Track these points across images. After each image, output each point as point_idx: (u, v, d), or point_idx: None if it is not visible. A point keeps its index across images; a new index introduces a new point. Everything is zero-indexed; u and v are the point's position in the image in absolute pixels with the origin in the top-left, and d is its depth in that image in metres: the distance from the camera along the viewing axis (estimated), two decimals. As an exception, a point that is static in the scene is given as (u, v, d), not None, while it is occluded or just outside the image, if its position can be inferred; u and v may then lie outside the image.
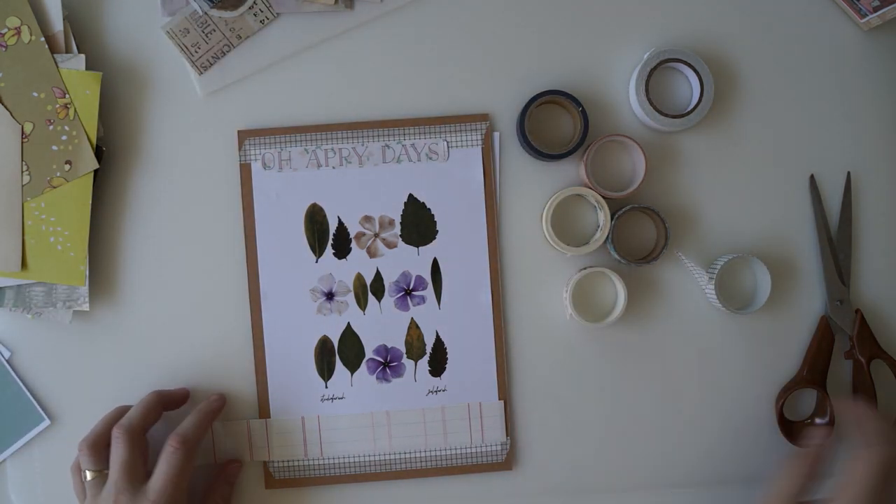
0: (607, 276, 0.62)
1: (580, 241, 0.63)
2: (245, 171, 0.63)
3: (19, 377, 0.63)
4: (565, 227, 0.64)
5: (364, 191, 0.63)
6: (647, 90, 0.62)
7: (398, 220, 0.63)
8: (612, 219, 0.62)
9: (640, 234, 0.64)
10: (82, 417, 0.63)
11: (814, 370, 0.63)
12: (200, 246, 0.63)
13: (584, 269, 0.62)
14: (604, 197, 0.61)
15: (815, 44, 0.65)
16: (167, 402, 0.61)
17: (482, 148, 0.63)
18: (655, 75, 0.62)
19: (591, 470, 0.63)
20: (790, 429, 0.63)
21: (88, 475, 0.57)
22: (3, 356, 0.62)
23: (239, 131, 0.63)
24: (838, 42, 0.65)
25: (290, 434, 0.62)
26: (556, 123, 0.64)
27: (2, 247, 0.60)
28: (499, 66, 0.64)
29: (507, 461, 0.63)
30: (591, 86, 0.64)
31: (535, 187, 0.64)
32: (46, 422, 0.62)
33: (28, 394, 0.62)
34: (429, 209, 0.63)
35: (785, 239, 0.64)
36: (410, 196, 0.63)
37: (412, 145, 0.63)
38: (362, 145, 0.63)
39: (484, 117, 0.63)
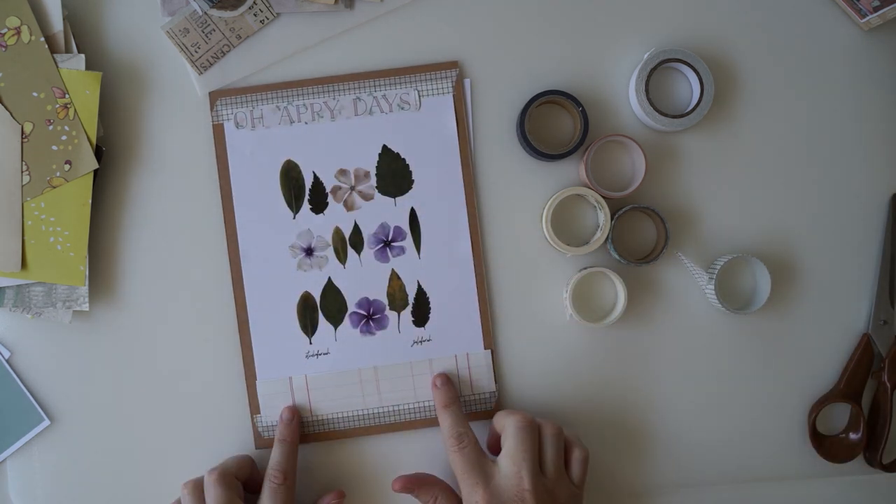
0: (607, 276, 0.62)
1: (580, 241, 0.63)
2: (218, 132, 0.63)
3: (19, 377, 0.63)
4: (565, 227, 0.64)
5: (338, 144, 0.63)
6: (647, 90, 0.62)
7: (373, 171, 0.63)
8: (612, 219, 0.62)
9: (640, 234, 0.64)
10: (82, 417, 0.63)
11: (850, 385, 0.63)
12: (200, 246, 0.63)
13: (584, 269, 0.62)
14: (604, 197, 0.61)
15: (815, 44, 0.65)
16: (253, 471, 0.61)
17: (454, 95, 0.63)
18: (655, 75, 0.62)
19: (590, 470, 0.63)
20: (821, 442, 0.64)
21: None
22: (3, 356, 0.62)
23: (210, 92, 0.63)
24: (838, 42, 0.65)
25: (277, 394, 0.62)
26: (556, 123, 0.64)
27: (2, 247, 0.60)
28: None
29: (496, 411, 0.63)
30: (591, 86, 0.64)
31: (535, 187, 0.64)
32: (46, 422, 0.62)
33: (28, 394, 0.62)
34: (403, 159, 0.63)
35: (785, 239, 0.64)
36: (384, 147, 0.63)
37: (383, 96, 0.63)
38: (333, 99, 0.63)
39: (454, 64, 0.63)
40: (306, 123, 0.63)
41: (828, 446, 0.63)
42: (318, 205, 0.63)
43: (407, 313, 0.63)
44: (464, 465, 0.56)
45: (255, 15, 0.62)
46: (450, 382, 0.62)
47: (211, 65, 0.63)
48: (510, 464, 0.55)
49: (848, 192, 0.65)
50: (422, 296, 0.63)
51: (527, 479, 0.54)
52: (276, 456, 0.59)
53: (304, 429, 0.62)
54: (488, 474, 0.56)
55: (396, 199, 0.63)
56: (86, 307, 0.61)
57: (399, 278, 0.63)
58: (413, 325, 0.63)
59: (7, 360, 0.63)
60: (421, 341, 0.63)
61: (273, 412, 0.62)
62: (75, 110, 0.60)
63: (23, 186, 0.60)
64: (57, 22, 0.60)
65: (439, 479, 0.60)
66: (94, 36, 0.63)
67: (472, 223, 0.63)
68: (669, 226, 0.62)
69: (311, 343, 0.63)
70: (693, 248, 0.64)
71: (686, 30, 0.64)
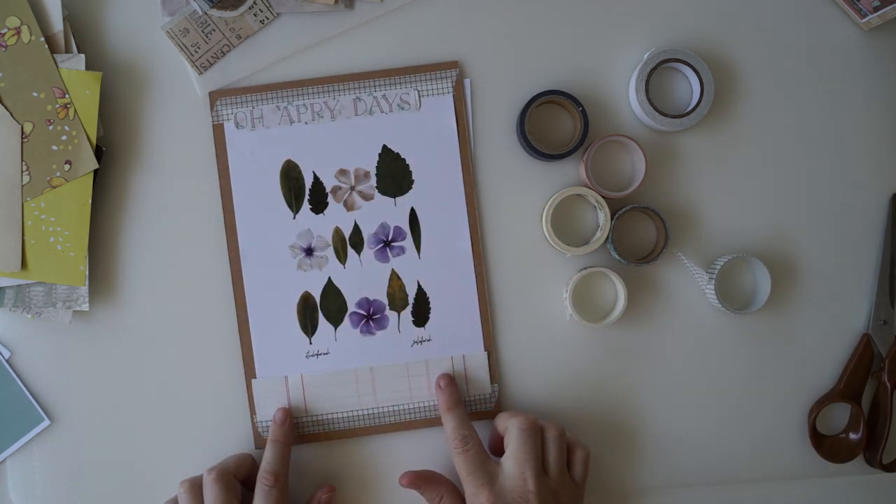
0: (607, 276, 0.62)
1: (580, 241, 0.63)
2: (218, 132, 0.63)
3: (19, 377, 0.63)
4: (565, 227, 0.64)
5: (338, 144, 0.63)
6: (647, 90, 0.62)
7: (373, 171, 0.63)
8: (612, 219, 0.62)
9: (640, 234, 0.64)
10: (82, 417, 0.63)
11: (850, 385, 0.63)
12: (200, 246, 0.63)
13: (584, 269, 0.62)
14: (604, 197, 0.61)
15: (815, 44, 0.65)
16: (251, 469, 0.61)
17: (454, 95, 0.63)
18: (655, 75, 0.62)
19: (590, 470, 0.63)
20: (821, 442, 0.64)
21: None
22: (3, 356, 0.62)
23: (210, 92, 0.63)
24: (838, 42, 0.65)
25: (273, 394, 0.62)
26: (556, 123, 0.64)
27: (2, 247, 0.60)
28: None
29: (496, 411, 0.63)
30: (591, 86, 0.64)
31: (535, 187, 0.64)
32: (46, 422, 0.62)
33: (28, 394, 0.62)
34: (403, 159, 0.63)
35: (785, 239, 0.64)
36: (384, 147, 0.63)
37: (383, 96, 0.63)
38: (333, 99, 0.63)
39: (454, 64, 0.63)
40: (306, 123, 0.63)
41: (828, 446, 0.63)
42: (318, 205, 0.63)
43: (407, 313, 0.63)
44: (468, 467, 0.57)
45: (255, 15, 0.62)
46: (454, 384, 0.62)
47: (211, 65, 0.63)
48: (514, 465, 0.56)
49: (848, 193, 0.65)
50: (422, 296, 0.63)
51: (531, 481, 0.54)
52: (268, 457, 0.59)
53: (300, 429, 0.62)
54: (492, 475, 0.56)
55: (396, 199, 0.63)
56: (86, 307, 0.61)
57: (399, 278, 0.63)
58: (413, 325, 0.63)
59: (7, 360, 0.63)
60: (421, 341, 0.63)
61: (268, 411, 0.62)
62: (75, 110, 0.60)
63: (23, 186, 0.60)
64: (57, 22, 0.60)
65: (446, 479, 0.60)
66: (94, 36, 0.63)
67: (472, 223, 0.63)
68: (669, 226, 0.62)
69: (311, 343, 0.63)
70: (693, 248, 0.64)
71: (686, 30, 0.64)
